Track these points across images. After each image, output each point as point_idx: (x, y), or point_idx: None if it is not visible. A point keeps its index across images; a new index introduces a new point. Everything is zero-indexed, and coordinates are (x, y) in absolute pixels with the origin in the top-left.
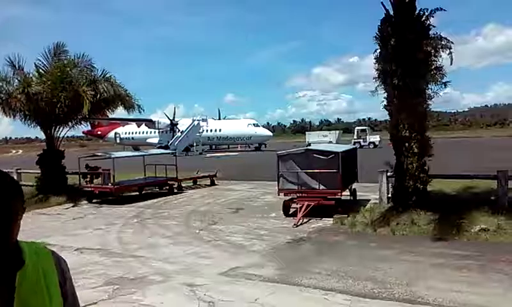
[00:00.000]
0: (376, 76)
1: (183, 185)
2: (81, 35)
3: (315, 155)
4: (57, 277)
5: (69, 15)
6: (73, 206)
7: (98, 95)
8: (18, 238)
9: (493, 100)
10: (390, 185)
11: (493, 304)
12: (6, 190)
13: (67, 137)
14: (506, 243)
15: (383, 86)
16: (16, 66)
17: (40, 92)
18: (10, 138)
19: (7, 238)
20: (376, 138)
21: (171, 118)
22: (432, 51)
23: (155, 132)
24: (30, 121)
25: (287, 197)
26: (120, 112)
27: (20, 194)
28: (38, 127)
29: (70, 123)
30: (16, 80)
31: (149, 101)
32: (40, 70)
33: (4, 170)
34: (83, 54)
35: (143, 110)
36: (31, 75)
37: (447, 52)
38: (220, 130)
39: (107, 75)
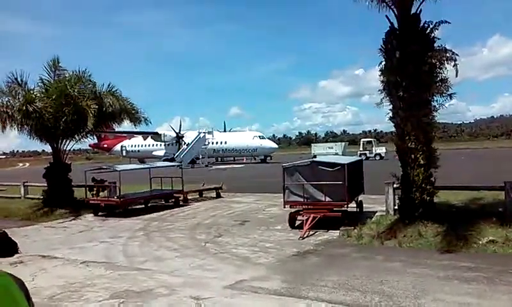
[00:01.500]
0: (381, 88)
1: (189, 197)
2: (87, 49)
3: (320, 167)
4: (25, 301)
5: (74, 29)
6: (79, 219)
7: (104, 109)
8: (21, 252)
9: (499, 111)
10: (396, 196)
11: None
12: None
13: (73, 150)
14: None
15: (388, 98)
16: (19, 81)
17: (42, 107)
18: (17, 151)
19: None
20: (381, 150)
21: (177, 131)
22: (437, 63)
23: (161, 144)
24: (35, 135)
25: (293, 210)
26: (126, 125)
27: None
28: (45, 141)
29: (76, 137)
30: (21, 96)
31: (155, 114)
32: (45, 85)
33: (12, 183)
34: (85, 70)
35: (150, 123)
36: (35, 90)
37: (452, 64)
38: (226, 143)
39: (113, 89)
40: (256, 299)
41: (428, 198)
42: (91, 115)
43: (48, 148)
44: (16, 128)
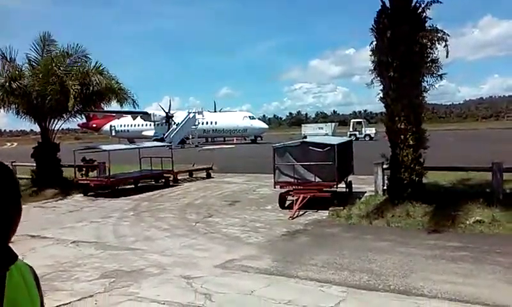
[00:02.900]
0: (372, 68)
1: (179, 177)
2: (74, 28)
3: (311, 147)
4: (36, 288)
5: (62, 8)
6: (68, 199)
7: (91, 87)
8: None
9: (488, 93)
10: (385, 177)
11: (487, 295)
12: (5, 196)
13: (62, 129)
14: (501, 235)
15: (378, 78)
16: (8, 58)
17: (28, 85)
18: (4, 131)
19: (4, 241)
20: (371, 130)
21: (167, 111)
22: (428, 43)
23: (150, 124)
24: (23, 114)
25: (283, 190)
26: (115, 104)
27: (18, 196)
28: (33, 120)
29: (64, 116)
30: (8, 72)
31: (144, 93)
32: (32, 63)
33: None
34: (77, 44)
35: (137, 106)
36: (23, 68)
37: (443, 44)
38: (216, 123)
39: (100, 68)
40: (247, 278)
41: (417, 179)
42: (72, 95)
43: (36, 128)
44: (1, 107)
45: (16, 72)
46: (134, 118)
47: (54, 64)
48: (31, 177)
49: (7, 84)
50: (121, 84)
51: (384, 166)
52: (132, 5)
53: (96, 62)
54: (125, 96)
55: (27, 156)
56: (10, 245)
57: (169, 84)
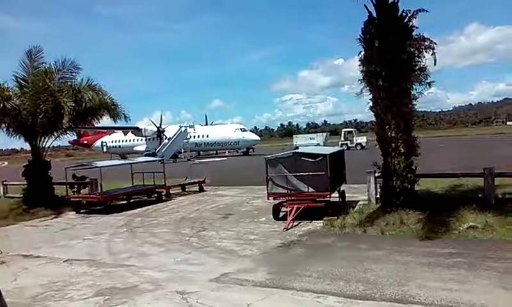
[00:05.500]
0: (361, 78)
1: (171, 192)
2: (64, 43)
3: (303, 158)
4: None
5: (47, 22)
6: (60, 217)
7: (84, 104)
8: (2, 253)
9: (477, 99)
10: (378, 185)
11: (483, 300)
12: None
13: (53, 147)
14: (494, 240)
15: (368, 88)
16: None
17: (19, 104)
18: None
19: None
20: (362, 139)
21: (158, 125)
22: (416, 52)
23: (142, 139)
24: (14, 133)
25: (277, 201)
26: (106, 120)
27: None
28: (23, 138)
29: (55, 133)
30: None
31: (135, 108)
32: (21, 82)
33: None
34: (65, 59)
35: (130, 120)
36: (10, 86)
37: (431, 52)
38: (207, 136)
39: (92, 84)
40: (242, 291)
41: (409, 186)
42: (67, 112)
43: (27, 146)
44: None
45: (10, 93)
46: (126, 134)
47: (47, 80)
48: (22, 196)
49: (1, 104)
50: (114, 100)
51: (377, 174)
52: (121, 19)
53: (88, 79)
54: (117, 112)
55: (18, 174)
56: (2, 265)
57: (161, 99)
